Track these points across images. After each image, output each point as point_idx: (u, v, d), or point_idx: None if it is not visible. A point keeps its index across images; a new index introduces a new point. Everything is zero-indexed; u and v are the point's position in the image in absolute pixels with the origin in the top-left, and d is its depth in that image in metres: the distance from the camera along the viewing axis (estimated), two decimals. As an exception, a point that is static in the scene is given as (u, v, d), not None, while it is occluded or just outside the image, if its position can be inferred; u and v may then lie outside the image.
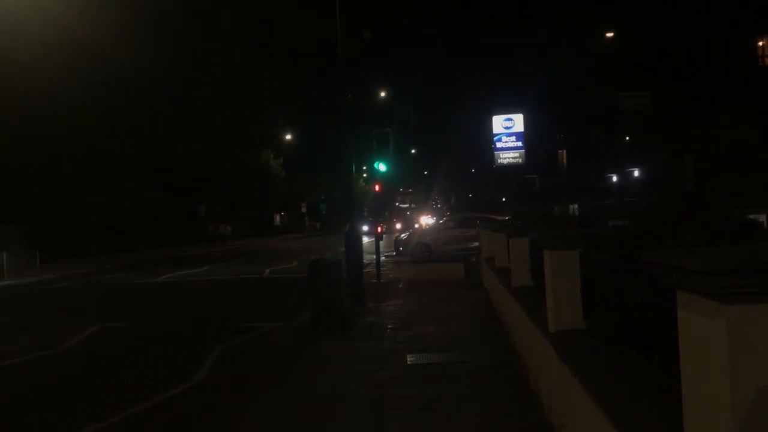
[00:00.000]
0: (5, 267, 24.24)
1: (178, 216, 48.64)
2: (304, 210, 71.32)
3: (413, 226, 44.03)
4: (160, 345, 10.87)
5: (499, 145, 42.29)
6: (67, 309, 16.20)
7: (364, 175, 59.81)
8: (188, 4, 40.77)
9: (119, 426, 6.45)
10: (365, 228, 39.54)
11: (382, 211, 21.68)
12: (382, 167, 17.39)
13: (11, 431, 6.66)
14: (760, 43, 32.26)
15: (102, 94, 34.77)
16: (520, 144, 41.97)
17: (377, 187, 19.78)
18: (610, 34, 38.68)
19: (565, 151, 58.68)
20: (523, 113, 44.48)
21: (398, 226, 27.05)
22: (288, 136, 63.28)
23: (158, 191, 43.83)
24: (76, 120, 33.40)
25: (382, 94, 34.09)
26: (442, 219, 36.09)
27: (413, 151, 75.68)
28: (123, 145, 38.78)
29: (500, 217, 30.28)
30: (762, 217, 21.85)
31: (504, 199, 74.20)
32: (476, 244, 21.85)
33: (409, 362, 8.27)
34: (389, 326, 10.94)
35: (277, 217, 65.43)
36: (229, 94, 50.07)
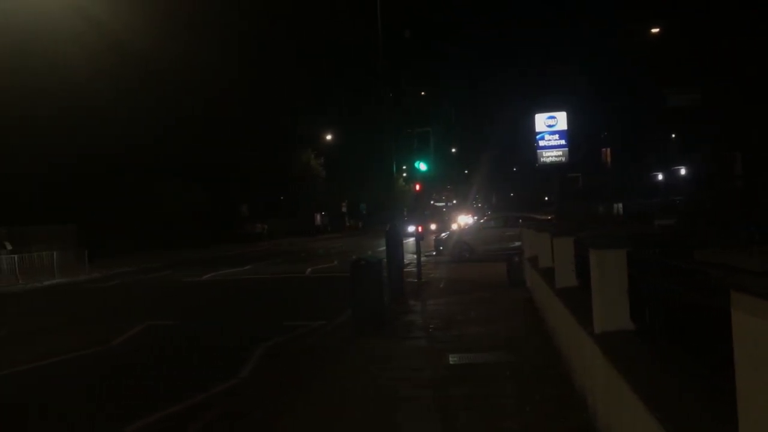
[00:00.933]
0: (55, 266, 24.94)
1: (222, 216, 49.38)
2: (344, 210, 71.63)
3: (450, 226, 43.68)
4: (205, 342, 11.06)
5: (541, 143, 41.78)
6: (115, 307, 16.59)
7: (404, 174, 59.79)
8: (229, 5, 41.31)
9: (167, 421, 6.59)
10: (410, 228, 39.58)
11: (422, 210, 21.53)
12: (422, 166, 17.35)
13: (66, 423, 6.84)
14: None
15: (146, 96, 35.42)
16: (563, 142, 41.37)
17: (418, 187, 19.73)
18: (656, 30, 37.85)
19: (609, 149, 57.70)
20: (565, 111, 43.89)
21: (433, 226, 26.15)
22: (328, 137, 63.64)
23: (202, 191, 44.57)
24: (122, 121, 34.12)
25: (423, 93, 34.00)
26: (482, 218, 35.84)
27: (453, 150, 75.34)
28: (168, 145, 39.49)
29: (543, 217, 29.95)
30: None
31: (546, 198, 73.38)
32: (518, 243, 21.63)
33: (451, 362, 8.25)
34: (430, 326, 10.91)
35: (318, 217, 65.82)
36: (270, 95, 50.57)
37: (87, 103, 31.32)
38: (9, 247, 27.43)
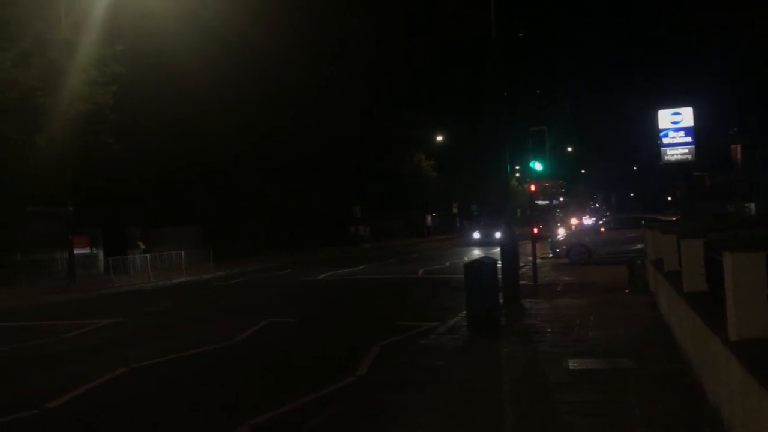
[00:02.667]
0: (183, 265, 26.44)
1: (335, 217, 50.48)
2: (455, 211, 71.34)
3: (555, 228, 42.09)
4: (323, 340, 11.38)
5: (665, 141, 39.64)
6: (239, 304, 17.38)
7: (517, 174, 58.70)
8: (337, 7, 42.12)
9: (287, 415, 6.82)
10: (497, 234, 38.50)
11: (536, 211, 20.84)
12: (538, 166, 16.98)
13: (196, 413, 7.25)
14: None
15: (261, 99, 36.74)
16: (689, 139, 39.06)
17: (533, 187, 19.32)
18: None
19: (739, 146, 54.15)
20: (691, 107, 41.56)
21: (534, 230, 24.20)
22: (439, 138, 63.62)
23: (317, 194, 45.79)
24: (238, 125, 35.56)
25: (538, 91, 33.28)
26: (601, 219, 34.58)
27: (569, 149, 73.22)
28: (283, 148, 40.78)
29: (667, 217, 28.52)
30: None
31: (669, 199, 69.80)
32: (640, 246, 20.73)
33: (571, 367, 8.02)
34: (548, 330, 10.66)
35: (429, 218, 65.94)
36: (382, 96, 51.16)
37: (204, 108, 32.84)
38: (142, 246, 29.39)
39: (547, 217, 42.55)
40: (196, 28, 30.27)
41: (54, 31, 20.73)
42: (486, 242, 40.58)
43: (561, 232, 36.46)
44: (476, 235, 44.20)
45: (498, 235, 38.39)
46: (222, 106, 33.69)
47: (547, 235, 19.96)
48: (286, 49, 36.77)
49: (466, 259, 20.50)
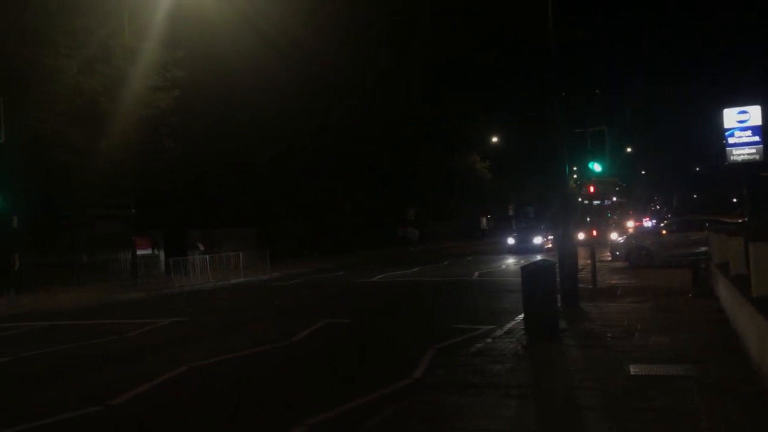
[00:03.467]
0: (241, 265, 26.90)
1: (389, 219, 50.52)
2: (511, 213, 70.53)
3: (608, 232, 40.50)
4: (378, 341, 11.40)
5: (731, 140, 38.19)
6: (296, 305, 17.57)
7: (575, 176, 57.58)
8: (395, 10, 42.12)
9: (343, 415, 6.84)
10: (535, 240, 36.60)
11: (605, 213, 20.28)
12: (597, 167, 16.63)
13: (254, 412, 7.34)
14: None
15: (313, 99, 37.05)
16: (757, 139, 37.54)
17: (591, 189, 18.95)
18: None
19: (814, 145, 51.91)
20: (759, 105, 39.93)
21: (581, 235, 21.97)
22: (495, 139, 62.98)
23: (371, 195, 45.95)
24: (294, 128, 35.95)
25: (597, 91, 32.63)
26: (663, 221, 33.64)
27: (629, 149, 71.53)
28: (334, 149, 41.02)
29: (733, 219, 27.54)
30: None
31: (735, 200, 67.40)
32: (703, 248, 20.08)
33: (632, 373, 7.79)
34: (608, 334, 10.40)
35: (484, 220, 65.37)
36: (436, 97, 50.93)
37: (257, 109, 33.30)
38: (202, 248, 30.02)
39: (599, 219, 38.60)
40: (249, 31, 30.75)
41: (118, 39, 21.42)
42: (522, 249, 35.34)
43: (614, 237, 35.04)
44: (510, 241, 38.08)
45: (537, 240, 36.23)
46: (274, 107, 34.13)
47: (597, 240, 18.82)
48: (336, 50, 36.94)
49: (522, 262, 20.20)
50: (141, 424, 7.11)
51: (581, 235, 23.49)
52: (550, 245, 35.21)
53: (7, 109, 17.10)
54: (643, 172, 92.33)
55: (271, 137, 34.51)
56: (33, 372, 9.90)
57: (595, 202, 20.25)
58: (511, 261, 29.71)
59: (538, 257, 18.87)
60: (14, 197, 18.29)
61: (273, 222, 36.97)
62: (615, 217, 58.48)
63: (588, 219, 33.83)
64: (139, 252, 25.48)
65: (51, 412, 7.35)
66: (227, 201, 34.51)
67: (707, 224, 20.92)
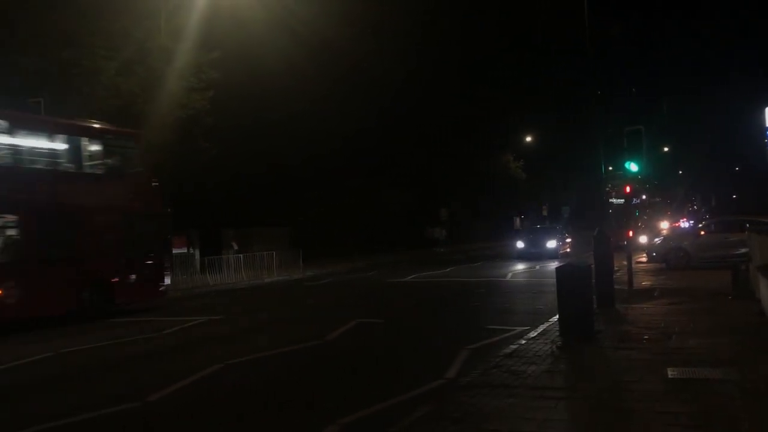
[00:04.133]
0: (275, 265, 27.11)
1: (422, 219, 50.45)
2: (545, 213, 69.86)
3: (635, 233, 38.63)
4: (411, 341, 11.39)
5: (771, 139, 37.43)
6: (329, 304, 17.66)
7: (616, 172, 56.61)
8: (429, 9, 42.03)
9: (375, 415, 6.85)
10: (549, 244, 32.79)
11: (632, 213, 19.88)
12: (633, 167, 16.33)
13: (289, 410, 7.39)
14: None
15: (345, 100, 37.12)
16: (798, 137, 36.74)
17: (628, 188, 18.67)
18: None
19: None
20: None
21: (629, 233, 20.87)
22: (529, 138, 62.44)
23: (404, 196, 45.93)
24: (326, 128, 36.08)
25: (633, 89, 32.09)
26: (701, 222, 32.96)
27: (666, 149, 70.24)
28: (367, 149, 41.10)
29: (774, 220, 26.88)
30: None
31: (776, 201, 65.79)
32: (743, 250, 19.60)
33: (670, 375, 7.64)
34: (645, 336, 10.22)
35: (517, 220, 64.85)
36: (469, 96, 50.67)
37: (289, 110, 33.49)
38: (236, 247, 30.34)
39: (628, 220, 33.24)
40: (281, 31, 30.93)
41: (154, 40, 21.73)
42: (532, 254, 31.61)
43: (642, 240, 33.40)
44: (520, 244, 33.79)
45: (551, 244, 32.54)
46: (305, 107, 34.32)
47: (620, 244, 17.71)
48: (368, 49, 36.98)
49: (556, 262, 19.99)
50: (177, 419, 7.22)
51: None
52: (568, 249, 33.21)
53: (47, 110, 17.45)
54: (680, 172, 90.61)
55: (303, 138, 34.72)
56: (74, 369, 10.12)
57: (619, 201, 19.66)
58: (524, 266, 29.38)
59: (554, 264, 18.39)
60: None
61: (306, 222, 37.20)
62: (645, 217, 56.77)
63: (613, 219, 32.77)
64: (176, 251, 25.82)
65: (91, 407, 7.49)
66: (260, 200, 34.81)
67: (747, 225, 20.45)
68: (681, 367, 7.99)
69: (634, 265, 18.09)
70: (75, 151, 15.83)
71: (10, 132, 14.37)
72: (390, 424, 6.24)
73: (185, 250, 28.43)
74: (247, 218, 33.63)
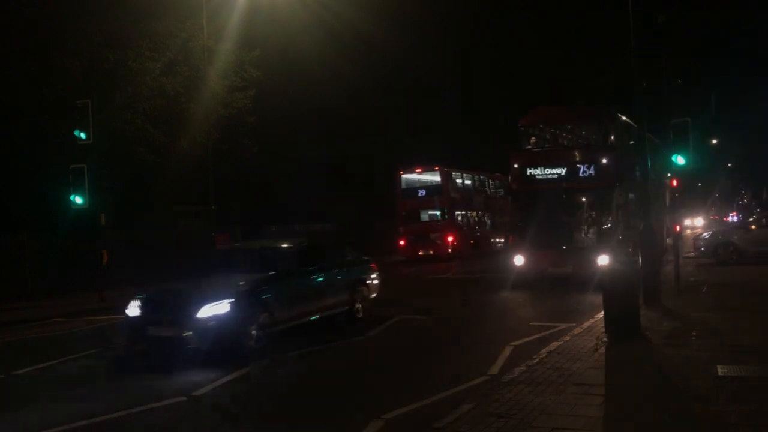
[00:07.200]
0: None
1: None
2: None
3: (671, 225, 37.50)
4: (453, 338, 11.35)
5: (825, 130, 36.12)
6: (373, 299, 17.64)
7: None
8: (462, 8, 41.80)
9: (419, 411, 6.86)
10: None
11: (679, 207, 19.24)
12: (680, 160, 15.90)
13: (332, 401, 7.44)
14: None
15: (383, 96, 37.10)
16: None
17: (674, 182, 18.23)
18: None
19: None
20: None
21: (677, 228, 19.79)
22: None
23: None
24: (365, 124, 36.16)
25: (680, 81, 31.27)
26: (751, 216, 32.06)
27: (714, 141, 68.38)
28: (405, 146, 41.06)
29: (830, 214, 26.03)
30: None
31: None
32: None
33: (720, 373, 7.46)
34: (693, 333, 10.00)
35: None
36: (507, 90, 50.23)
37: (326, 107, 33.64)
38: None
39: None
40: (319, 30, 31.17)
41: (197, 40, 22.02)
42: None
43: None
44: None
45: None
46: (343, 104, 34.42)
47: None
48: (407, 49, 36.99)
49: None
50: (223, 413, 7.35)
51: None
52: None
53: (94, 110, 17.77)
54: (729, 165, 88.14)
55: (341, 135, 34.88)
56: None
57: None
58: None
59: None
60: (102, 196, 19.04)
61: (349, 219, 37.29)
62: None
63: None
64: (220, 248, 26.16)
65: (141, 401, 7.67)
66: (305, 198, 35.08)
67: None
68: (731, 365, 7.80)
69: (681, 261, 17.68)
70: None
71: None
72: (434, 419, 6.23)
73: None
74: (291, 215, 33.93)
